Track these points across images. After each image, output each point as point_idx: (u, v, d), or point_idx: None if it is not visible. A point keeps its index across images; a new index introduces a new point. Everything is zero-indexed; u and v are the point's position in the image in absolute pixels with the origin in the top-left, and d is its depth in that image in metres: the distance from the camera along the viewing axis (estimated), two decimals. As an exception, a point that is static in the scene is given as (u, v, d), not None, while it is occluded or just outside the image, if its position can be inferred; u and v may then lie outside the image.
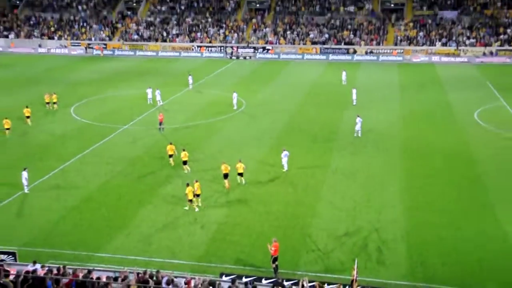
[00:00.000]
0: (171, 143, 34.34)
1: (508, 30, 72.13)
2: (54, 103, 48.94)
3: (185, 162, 33.49)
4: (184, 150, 33.38)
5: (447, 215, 27.76)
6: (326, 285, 20.37)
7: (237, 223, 27.32)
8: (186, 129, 41.71)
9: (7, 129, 41.71)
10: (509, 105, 48.62)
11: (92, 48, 79.54)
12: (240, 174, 31.90)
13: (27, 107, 44.82)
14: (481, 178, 32.70)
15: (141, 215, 28.29)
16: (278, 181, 32.27)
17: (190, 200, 28.63)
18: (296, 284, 19.61)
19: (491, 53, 70.16)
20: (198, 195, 28.92)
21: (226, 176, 30.96)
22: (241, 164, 31.60)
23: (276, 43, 75.32)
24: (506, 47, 70.20)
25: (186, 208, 28.74)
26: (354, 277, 18.46)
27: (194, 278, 19.22)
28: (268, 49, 74.67)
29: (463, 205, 29.06)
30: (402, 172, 33.65)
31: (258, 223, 27.02)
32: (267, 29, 77.73)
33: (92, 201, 30.14)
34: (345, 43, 73.85)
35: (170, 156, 34.16)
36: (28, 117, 44.17)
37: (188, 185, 28.70)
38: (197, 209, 28.65)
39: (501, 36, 71.46)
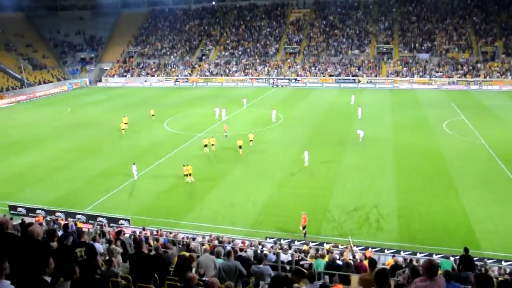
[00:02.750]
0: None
1: (464, 67, 70.01)
2: (152, 115, 50.32)
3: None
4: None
5: (425, 196, 27.05)
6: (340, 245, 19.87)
7: (276, 202, 26.90)
8: (242, 135, 41.48)
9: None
10: (466, 118, 46.95)
11: (179, 81, 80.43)
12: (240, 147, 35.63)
13: (123, 116, 46.30)
14: (448, 169, 31.64)
15: (210, 196, 28.16)
16: (305, 172, 31.62)
17: (186, 175, 30.24)
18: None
19: (453, 82, 68.08)
20: (190, 174, 30.20)
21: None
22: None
23: (304, 76, 74.57)
24: (463, 78, 68.10)
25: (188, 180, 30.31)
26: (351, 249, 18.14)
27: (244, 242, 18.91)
28: (298, 80, 73.95)
29: (436, 188, 28.23)
30: (394, 166, 32.73)
31: (292, 202, 26.58)
32: (298, 66, 77.14)
33: (178, 186, 30.19)
34: (352, 75, 72.70)
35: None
36: (125, 123, 45.20)
37: (184, 165, 30.71)
38: (189, 181, 30.16)
39: (459, 71, 69.36)
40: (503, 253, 20.17)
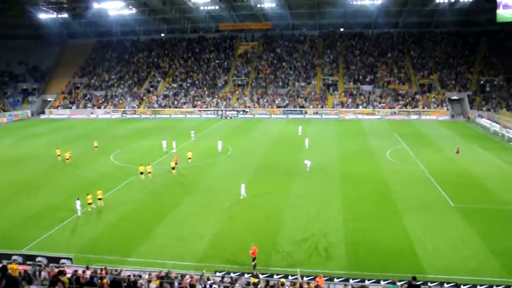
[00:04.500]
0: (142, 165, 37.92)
1: (404, 98, 73.42)
2: (96, 146, 49.29)
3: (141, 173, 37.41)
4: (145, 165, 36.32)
5: (371, 222, 27.58)
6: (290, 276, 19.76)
7: (225, 234, 26.55)
8: (192, 167, 41.07)
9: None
10: (408, 146, 49.04)
11: (126, 113, 79.07)
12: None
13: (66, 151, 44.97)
14: (392, 195, 32.61)
15: (157, 230, 27.42)
16: (253, 203, 31.54)
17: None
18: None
19: (394, 113, 71.16)
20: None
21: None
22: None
23: (252, 107, 75.43)
24: (403, 109, 71.41)
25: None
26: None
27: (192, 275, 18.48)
28: (247, 111, 74.71)
29: (381, 214, 28.93)
30: (341, 193, 33.30)
31: (241, 234, 26.26)
32: (246, 97, 78.07)
33: (124, 220, 29.21)
34: (300, 107, 74.34)
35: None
36: (68, 158, 44.01)
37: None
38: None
39: (400, 102, 72.63)
40: (444, 276, 20.77)
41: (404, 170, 39.74)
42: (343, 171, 39.72)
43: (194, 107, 77.92)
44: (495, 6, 72.93)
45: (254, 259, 21.99)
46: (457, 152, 45.04)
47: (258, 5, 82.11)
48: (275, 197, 32.78)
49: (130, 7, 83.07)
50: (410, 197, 32.39)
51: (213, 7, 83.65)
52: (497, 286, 19.23)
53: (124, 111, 79.55)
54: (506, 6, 71.02)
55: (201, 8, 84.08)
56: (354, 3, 78.32)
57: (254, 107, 75.52)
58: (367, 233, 26.03)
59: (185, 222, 28.31)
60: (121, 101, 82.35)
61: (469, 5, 77.13)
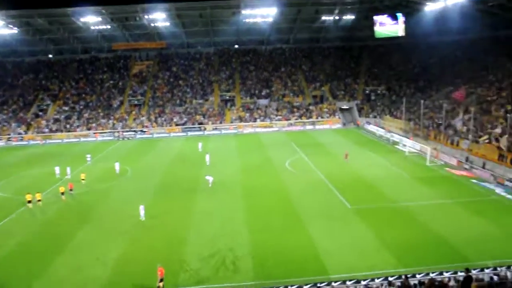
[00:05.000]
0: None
1: (299, 110, 76.75)
2: None
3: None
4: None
5: (275, 232, 28.21)
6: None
7: (130, 258, 25.47)
8: (90, 192, 39.02)
9: None
10: (305, 156, 51.21)
11: (11, 140, 72.89)
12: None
13: None
14: (294, 205, 33.69)
15: (55, 262, 25.49)
16: (155, 224, 30.74)
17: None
18: None
19: (291, 124, 73.99)
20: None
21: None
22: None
23: (150, 127, 73.82)
24: (299, 120, 74.59)
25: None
26: None
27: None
28: (145, 131, 72.92)
29: (285, 224, 29.73)
30: (244, 206, 33.68)
31: (146, 256, 25.38)
32: (143, 117, 76.22)
33: (15, 254, 26.72)
34: (198, 123, 74.21)
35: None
36: None
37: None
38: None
39: (295, 114, 75.82)
40: (347, 274, 21.85)
41: (303, 179, 41.35)
42: (245, 184, 40.26)
43: (88, 129, 74.25)
44: (373, 23, 79.86)
45: (161, 280, 21.44)
46: (346, 158, 47.70)
47: (152, 24, 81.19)
48: (179, 216, 32.24)
49: (11, 26, 77.33)
50: (311, 204, 33.76)
51: (104, 27, 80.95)
52: (391, 276, 20.70)
53: (9, 138, 73.36)
54: (381, 24, 78.58)
55: (92, 27, 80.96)
56: (247, 20, 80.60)
57: (152, 127, 73.99)
58: (273, 243, 26.56)
59: (85, 250, 26.69)
60: (5, 128, 75.84)
61: (351, 23, 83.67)
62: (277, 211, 32.58)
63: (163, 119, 75.61)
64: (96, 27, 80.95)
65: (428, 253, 24.50)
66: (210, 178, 39.46)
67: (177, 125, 74.26)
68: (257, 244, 26.49)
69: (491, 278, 19.87)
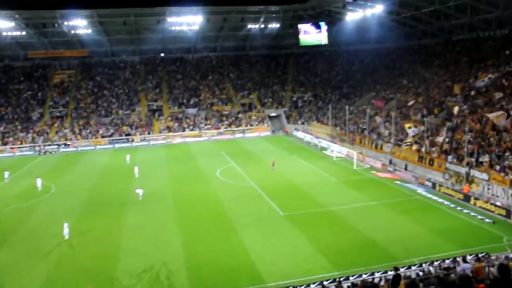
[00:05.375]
0: None
1: (228, 118, 77.06)
2: None
3: None
4: None
5: (209, 242, 28.02)
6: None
7: (56, 281, 23.96)
8: (9, 212, 36.43)
9: None
10: (236, 164, 51.32)
11: None
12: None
13: None
14: (227, 213, 33.62)
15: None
16: (83, 242, 29.24)
17: None
18: None
19: (220, 133, 73.93)
20: None
21: None
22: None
23: (74, 140, 70.42)
24: (228, 128, 74.74)
25: None
26: None
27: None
28: (68, 144, 69.41)
29: (218, 233, 29.59)
30: (176, 218, 33.10)
31: (75, 277, 24.00)
32: (67, 130, 72.57)
33: None
34: (126, 135, 71.96)
35: None
36: None
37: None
38: None
39: (225, 122, 75.96)
40: (283, 281, 22.07)
41: (235, 187, 41.41)
42: (177, 195, 39.58)
43: (5, 144, 69.33)
44: (297, 32, 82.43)
45: (91, 302, 20.41)
46: (273, 166, 48.18)
47: (72, 31, 77.61)
48: (108, 231, 30.92)
49: None
50: (243, 212, 33.84)
51: (19, 33, 76.24)
52: (326, 280, 21.18)
53: None
54: (306, 32, 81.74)
55: (4, 33, 75.89)
56: (173, 28, 79.66)
57: (77, 139, 70.66)
58: (207, 254, 26.29)
59: (4, 276, 24.73)
60: None
61: (276, 31, 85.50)
62: (210, 220, 32.31)
63: (88, 131, 72.48)
64: (10, 34, 75.99)
65: (359, 255, 25.40)
66: (140, 191, 38.28)
67: (103, 137, 71.48)
68: (191, 256, 26.09)
69: (417, 274, 20.91)
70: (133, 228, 31.38)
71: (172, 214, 34.24)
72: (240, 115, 78.38)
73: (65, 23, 73.69)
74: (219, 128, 74.92)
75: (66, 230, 29.53)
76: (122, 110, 78.27)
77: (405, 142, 46.86)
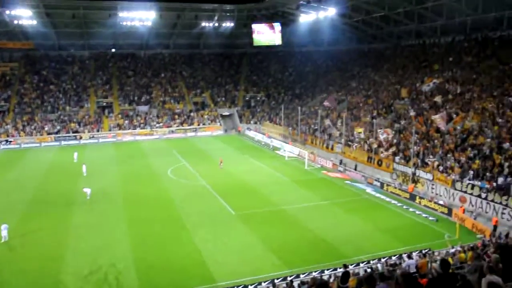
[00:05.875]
0: None
1: (180, 117, 76.29)
2: None
3: None
4: None
5: (160, 242, 27.67)
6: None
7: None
8: None
9: None
10: (188, 163, 50.96)
11: None
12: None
13: None
14: (178, 212, 33.35)
15: None
16: (24, 244, 27.93)
17: None
18: None
19: (172, 131, 73.02)
20: None
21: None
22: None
23: (17, 136, 67.36)
24: (180, 127, 74.00)
25: None
26: None
27: None
28: (11, 141, 66.30)
29: (169, 232, 29.31)
30: (126, 217, 32.39)
31: (15, 281, 22.84)
32: (9, 126, 69.24)
33: None
34: (73, 132, 69.63)
35: None
36: None
37: None
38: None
39: (177, 121, 75.11)
40: (234, 280, 22.07)
41: (186, 186, 41.08)
42: (126, 194, 38.73)
43: None
44: (251, 32, 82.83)
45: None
46: (220, 165, 48.01)
47: (15, 22, 73.91)
48: (53, 232, 29.74)
49: None
50: (195, 211, 33.63)
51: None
52: (277, 279, 21.40)
53: None
54: (259, 32, 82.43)
55: None
56: (124, 24, 77.84)
57: (20, 136, 67.66)
58: (157, 253, 25.92)
59: None
60: None
61: (230, 30, 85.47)
62: (161, 220, 31.89)
63: (32, 127, 69.51)
64: None
65: (310, 253, 25.86)
66: (87, 190, 37.15)
67: (49, 134, 68.78)
68: (141, 256, 25.59)
69: (365, 271, 21.53)
70: (80, 228, 30.40)
71: (122, 213, 33.50)
72: (192, 114, 77.78)
73: (7, 12, 69.94)
74: (171, 127, 74.00)
75: (4, 233, 27.96)
76: (69, 107, 75.66)
77: (363, 139, 48.18)
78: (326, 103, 58.97)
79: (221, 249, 26.49)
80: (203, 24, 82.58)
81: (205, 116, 77.68)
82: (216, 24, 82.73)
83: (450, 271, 9.52)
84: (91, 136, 69.50)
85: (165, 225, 30.77)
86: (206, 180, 42.90)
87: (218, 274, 23.23)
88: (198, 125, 75.35)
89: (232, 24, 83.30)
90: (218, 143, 66.16)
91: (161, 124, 74.31)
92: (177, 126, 74.24)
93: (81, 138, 68.77)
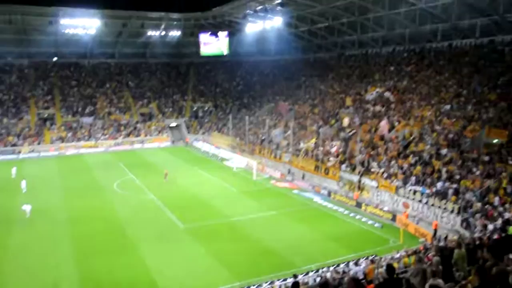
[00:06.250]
0: None
1: (126, 129, 74.63)
2: None
3: None
4: None
5: (106, 259, 26.85)
6: None
7: None
8: None
9: None
10: (134, 176, 49.87)
11: None
12: None
13: None
14: (125, 228, 32.48)
15: None
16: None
17: None
18: None
19: (118, 143, 71.22)
20: None
21: None
22: None
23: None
24: (127, 139, 72.36)
25: None
26: None
27: None
28: None
29: (116, 249, 28.53)
30: (70, 234, 31.18)
31: None
32: None
33: None
34: (11, 145, 66.32)
35: None
36: None
37: None
38: None
39: (123, 132, 73.40)
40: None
41: (133, 200, 40.17)
42: (70, 210, 37.28)
43: None
44: (199, 41, 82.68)
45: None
46: (165, 178, 46.84)
47: None
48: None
49: None
50: (142, 226, 32.93)
51: None
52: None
53: None
54: (207, 42, 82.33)
55: None
56: (67, 31, 75.32)
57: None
58: (104, 271, 25.14)
59: None
60: None
61: (177, 39, 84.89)
62: (106, 235, 30.95)
63: (-35, 141, 65.71)
64: None
65: (259, 264, 25.92)
66: (27, 207, 35.33)
67: (-17, 147, 65.24)
68: (86, 274, 24.72)
69: (315, 280, 21.82)
70: (18, 248, 28.90)
71: (65, 230, 32.19)
72: (139, 125, 76.28)
73: None
74: (116, 139, 72.14)
75: None
76: (7, 118, 72.02)
77: (308, 147, 48.99)
78: (280, 109, 59.78)
79: (170, 264, 26.06)
80: (150, 33, 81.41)
81: (152, 127, 76.41)
82: (163, 33, 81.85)
83: (395, 276, 9.84)
84: (31, 150, 66.37)
85: (111, 241, 29.87)
86: (153, 193, 42.09)
87: (167, 290, 22.82)
88: (145, 136, 73.99)
89: (179, 33, 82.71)
90: (166, 154, 65.20)
91: (106, 136, 72.32)
92: (123, 138, 72.51)
93: (20, 152, 65.54)
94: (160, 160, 59.82)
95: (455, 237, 23.11)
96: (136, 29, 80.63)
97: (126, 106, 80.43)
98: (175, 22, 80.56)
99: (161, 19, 77.81)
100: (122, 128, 74.65)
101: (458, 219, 29.38)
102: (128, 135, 73.38)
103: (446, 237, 26.45)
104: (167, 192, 42.43)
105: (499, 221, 25.66)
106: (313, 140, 50.17)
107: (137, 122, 77.02)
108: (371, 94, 52.98)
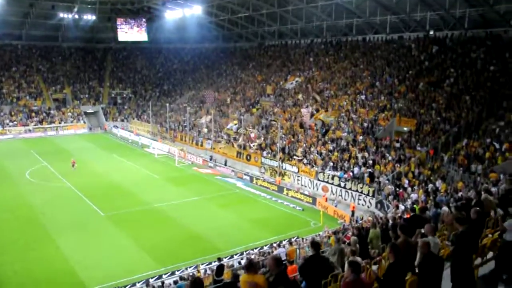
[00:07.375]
0: None
1: (38, 115, 70.18)
2: None
3: None
4: None
5: (18, 252, 25.12)
6: None
7: None
8: None
9: None
10: (48, 164, 47.02)
11: None
12: None
13: None
14: (39, 218, 30.62)
15: None
16: None
17: None
18: None
19: (29, 130, 66.75)
20: None
21: None
22: None
23: None
24: (39, 125, 68.01)
25: None
26: None
27: None
28: None
29: (29, 241, 26.77)
30: (-24, 228, 28.83)
31: None
32: None
33: None
34: None
35: None
36: None
37: None
38: None
39: (34, 119, 68.83)
40: (107, 284, 21.04)
41: (48, 189, 37.89)
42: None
43: None
44: (116, 26, 79.41)
45: None
46: (73, 167, 44.69)
47: None
48: None
49: None
50: (59, 216, 31.17)
51: None
52: (152, 278, 20.94)
53: None
54: (123, 29, 79.47)
55: None
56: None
57: None
58: (15, 265, 23.42)
59: None
60: None
61: (92, 23, 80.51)
62: (19, 227, 28.92)
63: None
64: None
65: (184, 249, 25.69)
66: None
67: None
68: (-1, 269, 23.02)
69: (239, 262, 22.13)
70: None
71: (-29, 223, 29.70)
72: (52, 111, 71.89)
73: None
74: (27, 125, 67.48)
75: None
76: None
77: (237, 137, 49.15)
78: (206, 97, 59.38)
79: (91, 253, 24.98)
80: (61, 15, 76.47)
81: (68, 114, 72.42)
82: (76, 16, 77.35)
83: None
84: None
85: (26, 233, 27.94)
86: (71, 181, 39.94)
87: (89, 279, 21.84)
88: (60, 123, 69.96)
89: (94, 17, 78.66)
90: (83, 142, 62.15)
91: (15, 122, 67.38)
92: (34, 125, 68.00)
93: None
94: (77, 147, 56.86)
95: (370, 218, 24.54)
96: (46, 10, 75.10)
97: (38, 92, 75.30)
98: (89, 6, 76.47)
99: (74, 1, 73.33)
100: (33, 114, 69.92)
101: (373, 201, 31.28)
102: (40, 122, 68.92)
103: (362, 218, 28.04)
104: (86, 180, 40.49)
105: (409, 202, 27.64)
106: (235, 122, 50.48)
107: (50, 108, 72.55)
108: (291, 83, 54.31)
